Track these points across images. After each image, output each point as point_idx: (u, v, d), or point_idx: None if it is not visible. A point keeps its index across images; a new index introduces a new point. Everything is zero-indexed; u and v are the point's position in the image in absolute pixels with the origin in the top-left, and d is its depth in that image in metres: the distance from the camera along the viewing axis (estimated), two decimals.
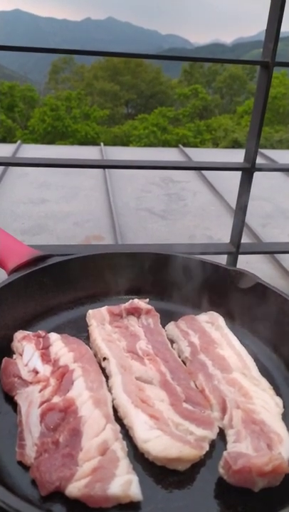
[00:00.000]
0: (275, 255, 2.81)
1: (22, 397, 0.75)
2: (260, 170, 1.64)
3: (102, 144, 6.08)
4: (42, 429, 0.68)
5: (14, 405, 0.76)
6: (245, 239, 1.77)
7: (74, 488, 0.60)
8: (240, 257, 1.81)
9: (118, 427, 0.70)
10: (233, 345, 0.91)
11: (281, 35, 1.49)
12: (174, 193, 4.14)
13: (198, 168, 2.10)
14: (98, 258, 1.11)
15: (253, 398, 0.76)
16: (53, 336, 0.88)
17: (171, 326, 0.97)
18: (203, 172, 4.59)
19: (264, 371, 0.88)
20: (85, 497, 0.60)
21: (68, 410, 0.71)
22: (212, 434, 0.71)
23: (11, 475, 0.66)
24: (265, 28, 1.48)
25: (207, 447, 0.69)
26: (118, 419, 0.73)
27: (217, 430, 0.73)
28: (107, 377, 0.82)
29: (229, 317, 1.01)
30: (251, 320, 1.01)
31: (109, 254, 1.12)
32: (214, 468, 0.67)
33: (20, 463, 0.67)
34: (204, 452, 0.68)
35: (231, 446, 0.68)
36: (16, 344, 0.86)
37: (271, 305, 0.98)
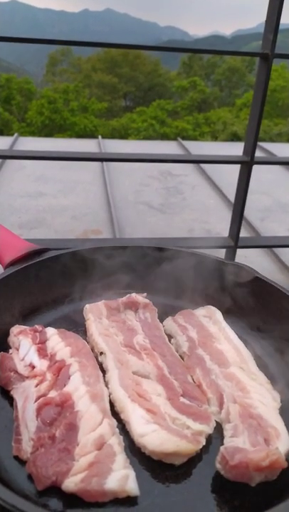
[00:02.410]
0: (274, 249, 2.80)
1: (18, 392, 0.74)
2: (259, 163, 1.63)
3: (100, 136, 6.04)
4: (38, 424, 0.68)
5: (10, 400, 0.76)
6: (243, 233, 1.76)
7: (70, 483, 0.60)
8: (239, 251, 1.80)
9: (115, 422, 0.70)
10: (231, 340, 0.90)
11: (281, 27, 1.47)
12: (172, 186, 4.12)
13: (197, 161, 2.09)
14: (96, 252, 1.10)
15: (251, 393, 0.76)
16: (50, 331, 0.87)
17: (169, 321, 0.97)
18: (202, 165, 4.57)
19: (261, 365, 0.87)
20: (82, 492, 0.60)
21: (65, 405, 0.70)
22: (209, 428, 0.71)
23: (7, 470, 0.66)
24: (264, 20, 1.46)
25: (204, 442, 0.69)
26: (115, 413, 0.73)
27: (214, 424, 0.73)
28: (104, 371, 0.81)
29: (227, 311, 1.01)
30: (249, 314, 1.01)
31: (107, 248, 1.11)
32: (211, 462, 0.67)
33: (16, 458, 0.67)
34: (201, 447, 0.68)
35: (228, 441, 0.68)
36: (12, 339, 0.86)
37: (269, 299, 0.97)
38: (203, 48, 1.87)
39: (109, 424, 0.67)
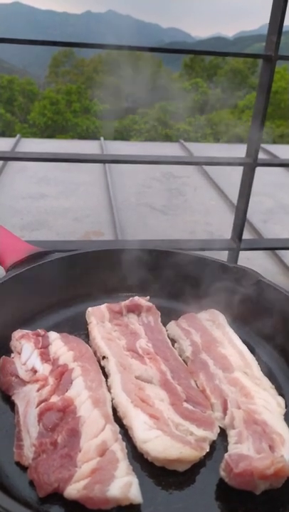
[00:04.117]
0: (276, 251, 2.79)
1: (19, 397, 0.73)
2: (262, 165, 1.62)
3: (102, 138, 6.03)
4: (40, 430, 0.67)
5: (12, 405, 0.75)
6: (246, 235, 1.76)
7: (73, 490, 0.59)
8: (241, 253, 1.80)
9: (117, 428, 0.69)
10: (235, 344, 0.89)
11: (284, 29, 1.47)
12: (174, 188, 4.12)
13: (200, 163, 2.08)
14: (98, 255, 1.09)
15: (255, 398, 0.75)
16: (53, 335, 0.86)
17: (172, 325, 0.96)
18: (204, 167, 4.57)
19: (266, 370, 0.86)
20: (84, 499, 0.59)
21: (67, 410, 0.69)
22: (213, 434, 0.70)
23: (9, 476, 0.65)
24: (267, 21, 1.46)
25: (207, 448, 0.68)
26: (117, 418, 0.72)
27: (218, 431, 0.72)
28: (106, 376, 0.80)
29: (230, 315, 1.00)
30: (252, 318, 1.00)
31: (109, 251, 1.11)
32: (215, 469, 0.66)
33: (18, 463, 0.66)
34: (204, 453, 0.67)
35: (233, 448, 0.67)
36: (14, 343, 0.85)
37: (273, 303, 0.96)
38: (205, 49, 1.86)
39: (111, 430, 0.66)
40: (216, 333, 0.92)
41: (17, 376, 0.76)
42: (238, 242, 1.73)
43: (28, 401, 0.72)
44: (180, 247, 1.15)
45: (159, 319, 0.98)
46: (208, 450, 0.68)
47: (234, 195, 1.71)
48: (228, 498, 0.63)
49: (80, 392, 0.72)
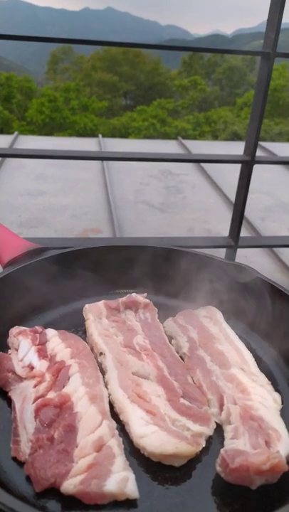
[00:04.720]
0: (274, 249, 2.80)
1: (16, 393, 0.74)
2: (260, 163, 1.62)
3: (100, 135, 6.02)
4: (37, 425, 0.68)
5: (9, 401, 0.75)
6: (244, 232, 1.76)
7: (69, 485, 0.60)
8: (239, 251, 1.80)
9: (114, 423, 0.69)
10: (232, 340, 0.90)
11: (282, 26, 1.47)
12: (172, 185, 4.11)
13: (198, 160, 2.08)
14: (95, 251, 1.09)
15: (251, 394, 0.75)
16: (50, 332, 0.86)
17: (169, 321, 0.96)
18: (202, 165, 4.56)
19: (262, 366, 0.87)
20: (81, 494, 0.59)
21: (64, 406, 0.70)
22: (209, 430, 0.71)
23: (6, 471, 0.65)
24: (265, 19, 1.45)
25: (204, 443, 0.69)
26: (114, 414, 0.72)
27: (214, 426, 0.72)
28: (103, 372, 0.81)
29: (227, 312, 1.00)
30: (250, 315, 1.01)
31: (107, 248, 1.11)
32: (211, 464, 0.66)
33: (14, 459, 0.66)
34: (200, 448, 0.68)
35: (229, 443, 0.67)
36: (11, 339, 0.85)
37: (270, 300, 0.97)
38: (204, 46, 1.86)
39: (108, 426, 0.67)
40: (213, 330, 0.92)
41: (14, 372, 0.77)
42: (235, 239, 1.73)
43: (24, 397, 0.72)
44: (178, 245, 1.15)
45: (156, 316, 0.98)
46: (204, 445, 0.68)
47: (232, 192, 1.71)
48: (224, 493, 0.64)
49: (77, 389, 0.72)
